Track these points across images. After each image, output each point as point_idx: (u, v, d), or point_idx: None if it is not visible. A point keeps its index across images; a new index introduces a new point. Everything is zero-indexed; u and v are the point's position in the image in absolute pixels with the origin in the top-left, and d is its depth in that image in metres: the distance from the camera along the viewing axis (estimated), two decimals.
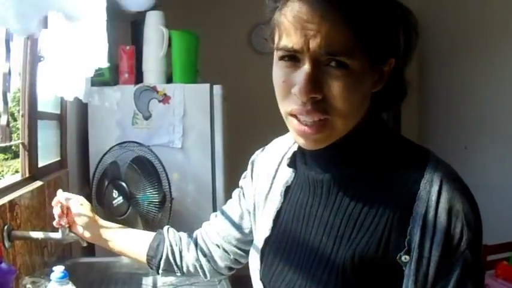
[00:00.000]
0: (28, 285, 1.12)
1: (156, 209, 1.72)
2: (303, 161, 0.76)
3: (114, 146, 1.85)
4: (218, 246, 0.95)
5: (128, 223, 1.73)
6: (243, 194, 0.93)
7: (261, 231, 0.81)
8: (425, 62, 3.88)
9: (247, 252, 0.89)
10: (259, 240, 0.81)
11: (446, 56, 3.57)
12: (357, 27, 0.61)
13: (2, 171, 1.62)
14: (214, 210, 2.06)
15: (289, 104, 0.66)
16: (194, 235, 1.00)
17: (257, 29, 3.67)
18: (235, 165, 2.15)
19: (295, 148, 0.81)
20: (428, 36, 3.83)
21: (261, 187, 0.85)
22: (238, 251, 0.93)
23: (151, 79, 2.08)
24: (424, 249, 0.63)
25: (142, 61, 2.11)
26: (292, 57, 0.64)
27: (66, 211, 1.04)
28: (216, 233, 0.95)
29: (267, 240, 0.79)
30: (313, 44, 0.61)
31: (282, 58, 0.66)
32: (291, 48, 0.63)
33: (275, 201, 0.80)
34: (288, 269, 0.74)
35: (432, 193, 0.64)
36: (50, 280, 0.99)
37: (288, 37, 0.63)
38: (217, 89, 2.06)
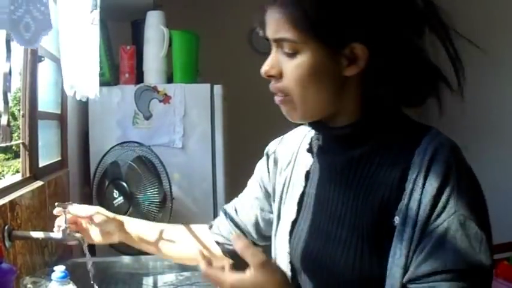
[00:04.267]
0: (29, 285, 1.12)
1: (157, 209, 1.72)
2: (319, 146, 0.82)
3: (115, 146, 1.85)
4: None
5: None
6: (261, 181, 0.98)
7: (287, 215, 0.86)
8: None
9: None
10: (285, 224, 0.85)
11: (446, 56, 3.56)
12: (301, 16, 0.68)
13: (3, 171, 1.62)
14: (215, 210, 2.06)
15: None
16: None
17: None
18: (236, 165, 2.15)
19: (311, 135, 0.87)
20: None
21: (280, 175, 0.91)
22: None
23: (152, 79, 2.08)
24: (410, 210, 0.66)
25: (143, 61, 2.11)
26: None
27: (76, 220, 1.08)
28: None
29: (294, 223, 0.84)
30: (268, 30, 0.72)
31: None
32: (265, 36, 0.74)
33: (298, 186, 0.85)
34: (314, 247, 0.79)
35: (425, 159, 0.67)
36: (50, 280, 0.99)
37: None
38: (218, 89, 2.06)
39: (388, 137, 0.74)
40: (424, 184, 0.66)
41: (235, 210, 1.04)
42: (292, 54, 0.71)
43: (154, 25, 2.08)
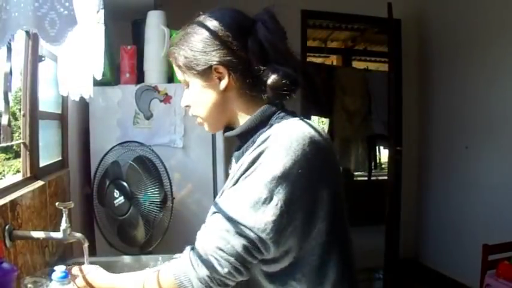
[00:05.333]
0: (29, 285, 1.12)
1: (158, 208, 1.72)
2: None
3: (115, 145, 1.85)
4: None
5: (129, 223, 1.73)
6: None
7: None
8: (425, 62, 3.88)
9: None
10: None
11: (447, 56, 3.57)
12: (176, 63, 0.99)
13: (3, 171, 1.62)
14: None
15: None
16: None
17: None
18: None
19: None
20: (429, 37, 3.83)
21: None
22: None
23: (153, 79, 2.08)
24: (232, 174, 0.91)
25: (144, 61, 2.11)
26: None
27: None
28: None
29: None
30: None
31: None
32: None
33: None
34: None
35: (260, 139, 0.88)
36: (51, 280, 1.00)
37: None
38: None
39: (262, 130, 0.94)
40: (249, 157, 0.87)
41: None
42: (187, 87, 1.01)
43: (155, 25, 2.08)
